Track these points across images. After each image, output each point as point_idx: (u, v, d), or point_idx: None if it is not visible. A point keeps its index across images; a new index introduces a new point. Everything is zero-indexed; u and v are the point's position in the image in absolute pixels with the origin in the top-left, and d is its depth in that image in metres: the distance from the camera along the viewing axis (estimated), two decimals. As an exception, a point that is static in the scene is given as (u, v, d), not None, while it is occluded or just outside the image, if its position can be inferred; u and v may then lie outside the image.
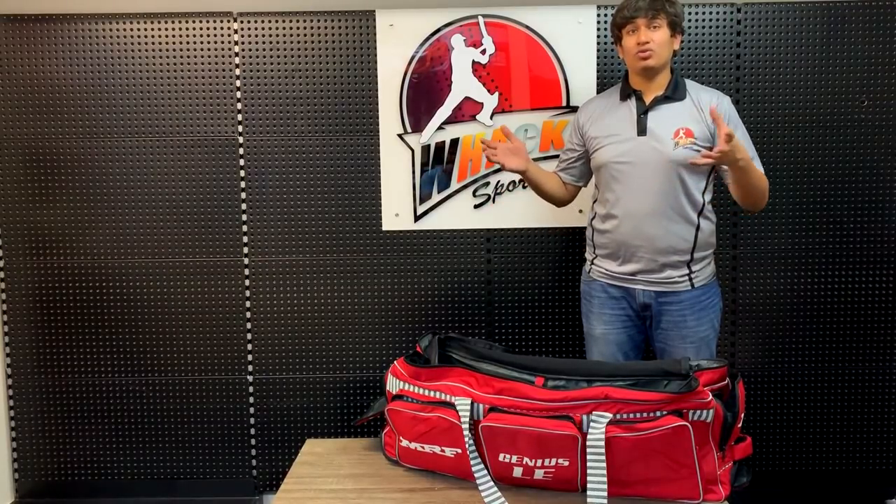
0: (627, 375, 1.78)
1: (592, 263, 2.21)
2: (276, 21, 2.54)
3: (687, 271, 2.10)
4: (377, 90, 2.55)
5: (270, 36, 2.54)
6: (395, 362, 1.90)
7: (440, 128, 2.55)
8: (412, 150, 2.57)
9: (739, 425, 1.70)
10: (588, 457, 1.58)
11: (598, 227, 2.17)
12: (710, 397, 1.59)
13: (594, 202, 2.20)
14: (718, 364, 1.73)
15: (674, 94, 2.06)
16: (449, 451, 1.74)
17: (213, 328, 2.64)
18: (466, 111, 2.54)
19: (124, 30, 2.54)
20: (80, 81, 2.56)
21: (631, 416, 1.59)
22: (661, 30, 2.00)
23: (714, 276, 2.19)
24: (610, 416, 1.59)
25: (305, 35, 2.54)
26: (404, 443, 1.82)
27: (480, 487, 1.65)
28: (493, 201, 2.58)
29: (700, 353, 2.10)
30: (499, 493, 1.64)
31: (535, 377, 1.78)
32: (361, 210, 2.60)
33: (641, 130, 2.05)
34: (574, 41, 2.51)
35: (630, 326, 2.17)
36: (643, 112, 2.06)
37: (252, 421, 2.68)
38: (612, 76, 2.52)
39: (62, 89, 2.56)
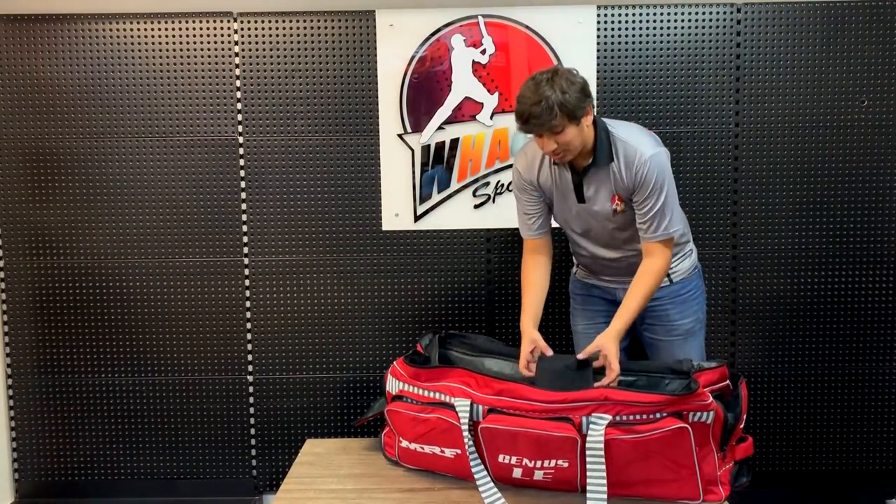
0: (630, 371, 1.80)
1: (577, 267, 2.30)
2: (276, 21, 2.54)
3: None
4: (377, 90, 2.54)
5: (270, 36, 2.54)
6: (394, 363, 1.90)
7: (440, 128, 2.55)
8: (412, 150, 2.57)
9: (741, 426, 1.70)
10: (587, 458, 1.58)
11: (572, 248, 2.24)
12: (711, 399, 1.59)
13: None
14: (717, 364, 1.74)
15: (601, 159, 1.94)
16: (448, 452, 1.74)
17: (213, 328, 2.64)
18: (466, 111, 2.54)
19: (124, 30, 2.54)
20: (80, 81, 2.55)
21: (630, 417, 1.59)
22: (565, 130, 1.84)
23: (695, 268, 2.20)
24: (609, 417, 1.59)
25: (305, 35, 2.54)
26: (404, 443, 1.82)
27: (480, 488, 1.65)
28: (493, 201, 2.58)
29: (687, 346, 2.12)
30: (499, 494, 1.64)
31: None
32: (361, 210, 2.60)
33: (580, 198, 2.02)
34: (574, 41, 2.51)
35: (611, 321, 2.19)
36: (578, 182, 2.00)
37: (252, 421, 2.68)
38: (612, 76, 2.52)
39: (62, 89, 2.56)
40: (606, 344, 1.83)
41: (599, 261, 2.14)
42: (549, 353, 1.87)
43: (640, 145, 1.93)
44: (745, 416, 1.71)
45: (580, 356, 1.81)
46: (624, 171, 1.93)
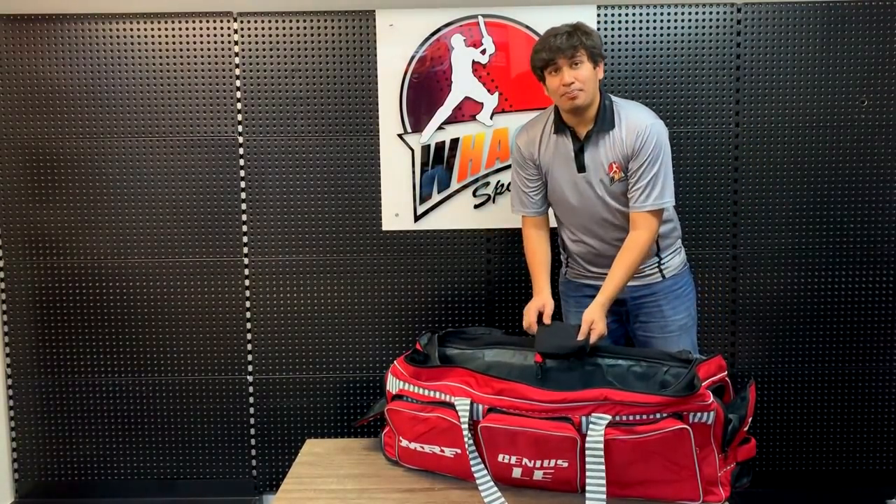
0: (630, 355, 1.82)
1: (567, 266, 2.30)
2: (276, 21, 2.54)
3: (657, 261, 2.15)
4: (377, 90, 2.54)
5: (270, 36, 2.54)
6: (395, 362, 1.90)
7: (440, 128, 2.55)
8: (412, 150, 2.57)
9: (745, 428, 1.70)
10: (587, 459, 1.58)
11: (564, 238, 2.24)
12: (711, 399, 1.59)
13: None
14: (711, 355, 1.74)
15: (603, 124, 2.01)
16: (448, 452, 1.74)
17: (213, 328, 2.64)
18: (466, 111, 2.54)
19: (124, 30, 2.54)
20: (80, 81, 2.55)
21: (630, 417, 1.59)
22: (583, 65, 1.95)
23: (685, 265, 2.22)
24: (609, 417, 1.59)
25: (305, 35, 2.54)
26: (404, 443, 1.82)
27: (480, 488, 1.65)
28: (493, 201, 2.58)
29: (682, 342, 2.13)
30: (498, 494, 1.64)
31: (536, 354, 1.84)
32: (361, 210, 2.60)
33: (580, 167, 2.06)
34: (574, 41, 2.50)
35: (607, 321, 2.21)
36: (579, 149, 2.05)
37: (252, 421, 2.68)
38: (612, 76, 2.52)
39: (62, 89, 2.56)
40: (595, 317, 1.92)
41: (592, 247, 2.14)
42: (548, 321, 2.00)
43: (640, 115, 2.03)
44: (749, 419, 1.70)
45: (580, 338, 1.88)
46: (625, 137, 2.00)
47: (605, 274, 2.14)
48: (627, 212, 2.06)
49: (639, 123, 1.99)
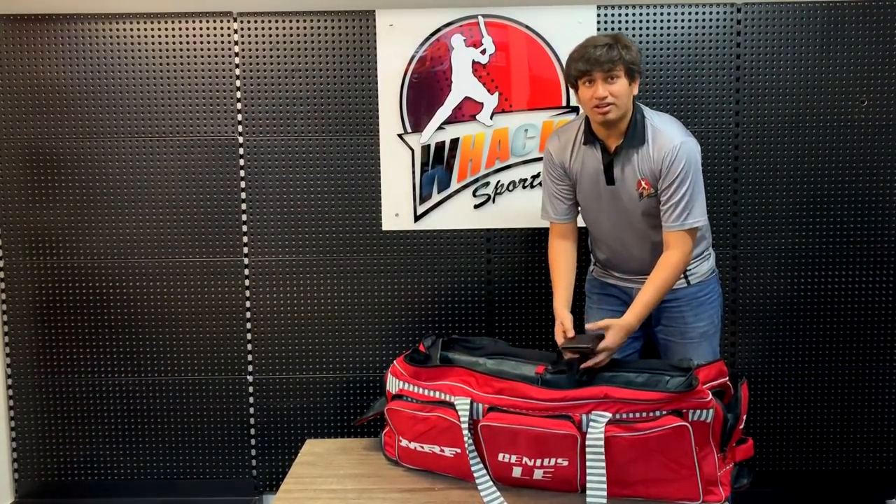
0: (631, 368, 1.81)
1: (594, 265, 2.29)
2: (276, 21, 2.54)
3: None
4: (377, 90, 2.54)
5: (270, 36, 2.54)
6: (395, 362, 1.91)
7: (440, 128, 2.55)
8: (412, 150, 2.57)
9: (741, 427, 1.70)
10: (587, 456, 1.58)
11: (591, 241, 2.25)
12: (710, 397, 1.59)
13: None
14: (713, 359, 1.74)
15: (633, 140, 1.98)
16: (448, 451, 1.74)
17: (213, 328, 2.64)
18: (466, 111, 2.54)
19: (124, 30, 2.54)
20: (80, 81, 2.56)
21: (630, 415, 1.59)
22: (619, 80, 1.90)
23: (713, 271, 2.21)
24: (609, 415, 1.60)
25: (305, 35, 2.54)
26: (404, 443, 1.82)
27: (480, 488, 1.65)
28: (493, 201, 2.58)
29: (701, 349, 2.12)
30: (498, 494, 1.64)
31: (537, 366, 1.80)
32: (361, 210, 2.60)
33: (609, 180, 2.04)
34: (574, 41, 2.48)
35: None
36: (608, 163, 2.03)
37: (252, 421, 2.68)
38: (612, 76, 2.51)
39: (62, 89, 2.56)
40: (611, 330, 1.85)
41: (619, 253, 2.13)
42: (571, 334, 1.93)
43: (671, 132, 1.97)
44: (744, 418, 1.71)
45: (588, 326, 1.89)
46: (653, 155, 1.96)
47: (629, 278, 2.14)
48: (650, 226, 2.04)
49: (669, 141, 1.95)
